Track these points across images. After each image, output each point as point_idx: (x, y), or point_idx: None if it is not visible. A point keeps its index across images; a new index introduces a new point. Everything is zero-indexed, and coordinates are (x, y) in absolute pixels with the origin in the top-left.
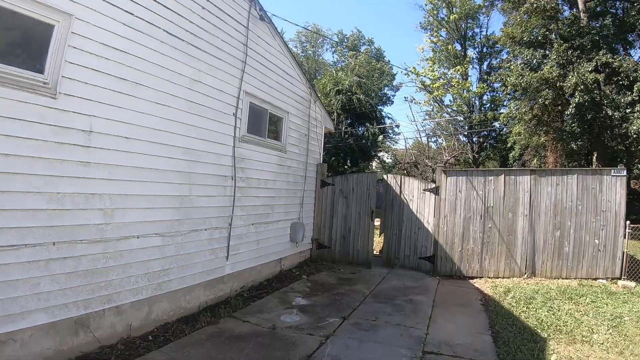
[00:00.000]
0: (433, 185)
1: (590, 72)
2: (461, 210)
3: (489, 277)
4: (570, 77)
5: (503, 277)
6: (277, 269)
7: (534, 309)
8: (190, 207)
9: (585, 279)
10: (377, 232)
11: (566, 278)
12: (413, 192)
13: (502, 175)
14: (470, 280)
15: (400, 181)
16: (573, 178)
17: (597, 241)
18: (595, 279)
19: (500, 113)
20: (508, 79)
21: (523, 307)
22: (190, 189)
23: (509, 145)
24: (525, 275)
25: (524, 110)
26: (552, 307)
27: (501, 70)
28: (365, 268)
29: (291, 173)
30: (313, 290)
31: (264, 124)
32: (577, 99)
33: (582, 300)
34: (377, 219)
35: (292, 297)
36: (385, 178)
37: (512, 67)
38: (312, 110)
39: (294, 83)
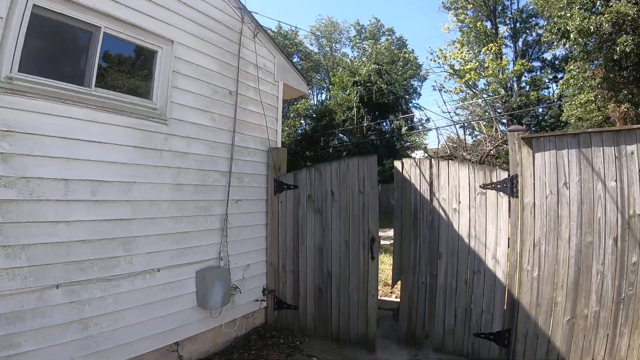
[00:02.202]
0: (504, 176)
1: None
2: (571, 229)
3: None
4: None
5: None
6: None
7: None
8: None
9: None
10: (386, 260)
11: None
12: (459, 193)
13: None
14: None
15: (431, 171)
16: None
17: None
18: None
19: (544, 95)
20: (568, 26)
21: None
22: None
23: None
24: None
25: (585, 73)
26: None
27: (555, 19)
28: (365, 352)
29: (189, 167)
30: None
31: (91, 59)
32: None
33: None
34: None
35: None
36: (399, 166)
37: (572, 12)
38: (248, 50)
39: None
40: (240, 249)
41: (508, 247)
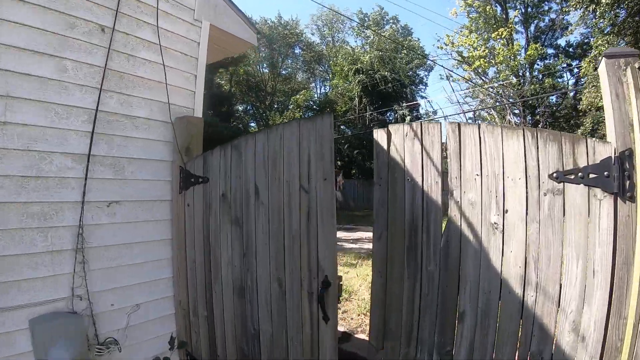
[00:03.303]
0: (603, 154)
1: None
2: None
3: None
4: None
5: None
6: None
7: None
8: None
9: None
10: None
11: None
12: (504, 191)
13: None
14: None
15: (445, 147)
16: None
17: None
18: None
19: (558, 81)
20: None
21: None
22: None
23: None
24: None
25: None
26: None
27: None
28: None
29: (6, 147)
30: None
31: None
32: None
33: None
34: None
35: None
36: (382, 139)
37: None
38: None
39: None
40: (121, 281)
41: (608, 311)
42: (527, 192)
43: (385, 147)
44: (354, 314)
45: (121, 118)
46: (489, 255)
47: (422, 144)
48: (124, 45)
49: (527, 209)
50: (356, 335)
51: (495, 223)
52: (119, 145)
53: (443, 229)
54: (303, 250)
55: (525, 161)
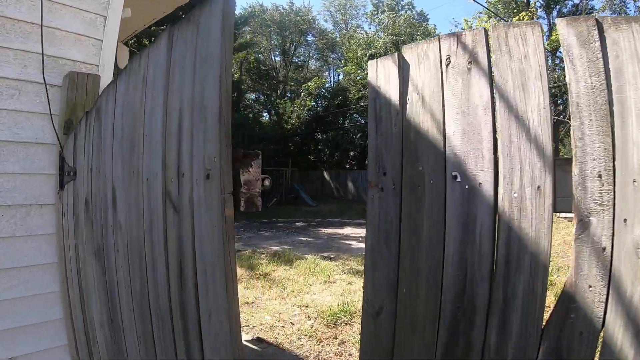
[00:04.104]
0: None
1: None
2: None
3: None
4: None
5: None
6: None
7: None
8: None
9: None
10: None
11: None
12: None
13: None
14: None
15: (594, 65)
16: None
17: None
18: None
19: None
20: None
21: None
22: None
23: None
24: None
25: None
26: None
27: None
28: None
29: None
30: None
31: None
32: None
33: None
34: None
35: None
36: (381, 78)
37: None
38: None
39: None
40: None
41: None
42: None
43: (394, 98)
44: (354, 348)
45: None
46: None
47: (491, 83)
48: None
49: None
50: None
51: None
52: None
53: (550, 314)
54: (180, 348)
55: None
